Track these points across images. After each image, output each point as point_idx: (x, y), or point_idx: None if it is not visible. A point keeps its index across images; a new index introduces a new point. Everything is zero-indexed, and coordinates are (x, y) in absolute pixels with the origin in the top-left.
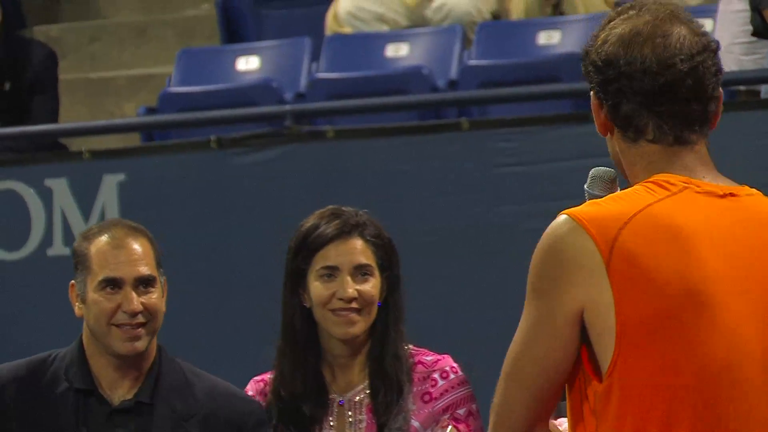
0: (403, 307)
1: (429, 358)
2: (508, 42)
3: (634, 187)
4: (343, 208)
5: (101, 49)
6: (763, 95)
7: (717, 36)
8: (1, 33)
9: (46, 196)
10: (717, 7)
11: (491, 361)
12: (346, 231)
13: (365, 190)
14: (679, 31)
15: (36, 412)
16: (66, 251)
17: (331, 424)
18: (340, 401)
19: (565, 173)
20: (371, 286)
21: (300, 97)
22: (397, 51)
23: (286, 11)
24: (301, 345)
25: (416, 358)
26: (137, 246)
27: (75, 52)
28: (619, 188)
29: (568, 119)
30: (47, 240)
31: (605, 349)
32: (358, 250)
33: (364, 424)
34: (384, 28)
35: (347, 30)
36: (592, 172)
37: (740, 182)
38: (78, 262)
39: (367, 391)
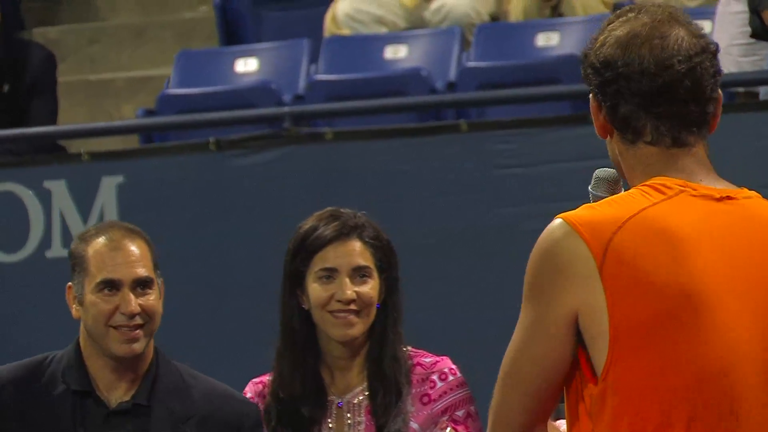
0: (401, 309)
1: (428, 360)
2: (507, 44)
3: (631, 190)
4: (342, 210)
5: (100, 51)
6: (761, 97)
7: (715, 37)
8: (0, 35)
9: (45, 197)
10: (715, 9)
11: (490, 363)
12: (344, 233)
13: (364, 191)
14: (678, 33)
15: (33, 414)
16: (65, 253)
17: (330, 425)
18: (338, 403)
19: (564, 175)
20: (370, 288)
21: (299, 98)
22: (396, 53)
23: (284, 13)
24: (300, 347)
25: (415, 360)
26: (134, 248)
27: (74, 54)
28: (622, 189)
29: (567, 121)
30: (46, 242)
31: (599, 353)
32: (357, 251)
33: (362, 426)
34: (382, 30)
35: (346, 32)
36: (596, 173)
37: (739, 184)
38: (75, 264)
39: (366, 393)
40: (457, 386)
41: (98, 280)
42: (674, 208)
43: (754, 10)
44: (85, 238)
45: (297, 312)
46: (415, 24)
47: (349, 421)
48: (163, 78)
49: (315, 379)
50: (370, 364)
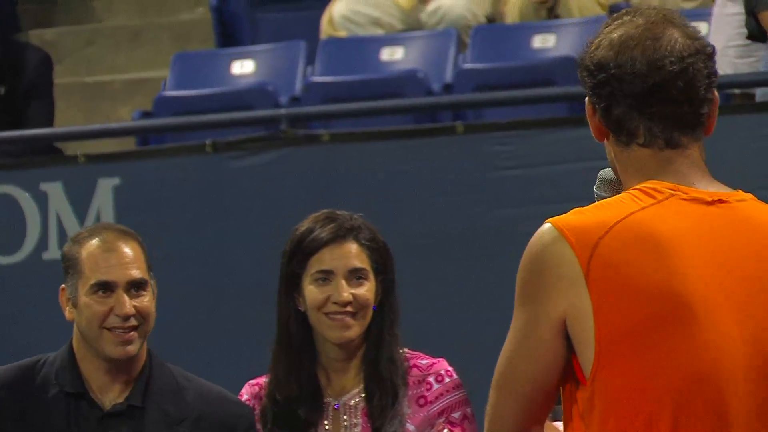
0: (398, 311)
1: (424, 362)
2: (503, 45)
3: (621, 194)
4: (338, 212)
5: (96, 53)
6: (758, 98)
7: (712, 39)
8: None
9: (42, 200)
10: (712, 11)
11: (487, 365)
12: (340, 235)
13: (360, 193)
14: (671, 34)
15: (27, 416)
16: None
17: (327, 427)
18: (335, 405)
19: (561, 176)
20: (366, 290)
21: (295, 100)
22: (392, 54)
23: (281, 15)
24: (296, 349)
25: (411, 362)
26: (128, 249)
27: (70, 56)
28: None
29: (563, 122)
30: (42, 244)
31: (587, 356)
32: (353, 254)
33: (359, 428)
34: (379, 32)
35: (342, 33)
36: (601, 173)
37: (735, 186)
38: (69, 266)
39: (363, 395)
40: (453, 388)
41: (92, 282)
42: (663, 212)
43: (751, 11)
44: (78, 240)
45: (293, 314)
46: (411, 26)
47: (345, 423)
48: (159, 80)
49: (311, 381)
50: (367, 366)
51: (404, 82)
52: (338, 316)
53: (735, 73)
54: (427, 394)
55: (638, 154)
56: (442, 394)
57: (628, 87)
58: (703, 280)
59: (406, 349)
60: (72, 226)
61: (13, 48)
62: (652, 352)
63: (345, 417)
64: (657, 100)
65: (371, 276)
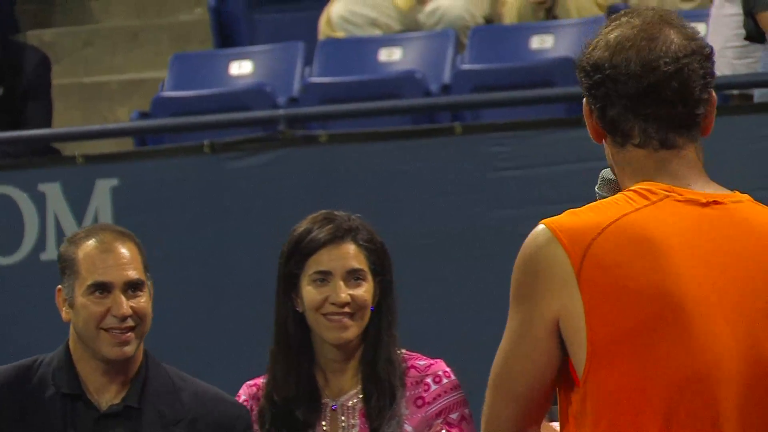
0: (395, 312)
1: (422, 363)
2: (501, 46)
3: (616, 195)
4: (336, 213)
5: (94, 53)
6: (756, 99)
7: (709, 40)
8: None
9: (40, 200)
10: (709, 11)
11: (485, 366)
12: (338, 236)
13: (358, 194)
14: (667, 35)
15: (24, 417)
16: None
17: (324, 428)
18: (333, 406)
19: (558, 177)
20: (364, 291)
21: (293, 101)
22: (390, 55)
23: (279, 16)
24: (294, 349)
25: (409, 363)
26: (125, 250)
27: (68, 57)
28: None
29: (561, 123)
30: (40, 244)
31: (579, 358)
32: (351, 254)
33: (357, 429)
34: (377, 33)
35: (340, 34)
36: (602, 173)
37: (733, 187)
38: (65, 267)
39: (360, 396)
40: (451, 389)
41: (89, 282)
42: (657, 213)
43: (749, 12)
44: (75, 241)
45: (291, 315)
46: (409, 26)
47: (343, 424)
48: (157, 81)
49: (309, 382)
50: (365, 367)
51: (402, 82)
52: (336, 317)
53: (733, 74)
54: (425, 395)
55: (634, 154)
56: (440, 395)
57: (622, 88)
58: (696, 281)
59: (403, 350)
60: (70, 226)
61: (11, 49)
62: (644, 354)
63: (343, 418)
64: (651, 101)
65: (369, 277)
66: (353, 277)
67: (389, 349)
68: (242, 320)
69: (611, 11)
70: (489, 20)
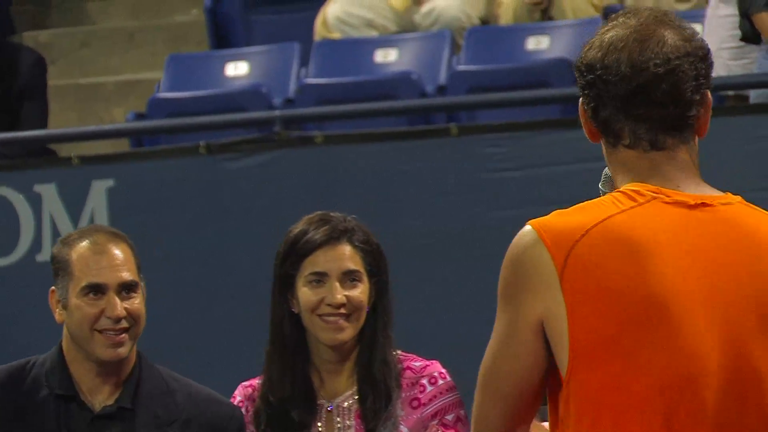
0: (391, 313)
1: (417, 364)
2: (497, 47)
3: (604, 196)
4: (332, 214)
5: (90, 54)
6: (751, 100)
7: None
8: None
9: (35, 201)
10: (705, 12)
11: None
12: (334, 237)
13: (355, 195)
14: (661, 36)
15: (17, 418)
16: None
17: (320, 429)
18: (328, 407)
19: (554, 178)
20: (360, 292)
21: (289, 102)
22: (386, 56)
23: (275, 17)
24: (290, 350)
25: (405, 364)
26: (118, 251)
27: (64, 58)
28: None
29: (557, 124)
30: (36, 246)
31: (561, 359)
32: (347, 255)
33: (352, 430)
34: (373, 34)
35: (336, 35)
36: (605, 170)
37: (729, 188)
38: (59, 269)
39: (356, 397)
40: (446, 390)
41: (83, 284)
42: (643, 215)
43: (744, 13)
44: (69, 242)
45: (287, 315)
46: (405, 27)
47: (338, 425)
48: (153, 82)
49: (305, 383)
50: (360, 368)
51: (398, 83)
52: (332, 318)
53: (728, 75)
54: (420, 396)
55: (625, 155)
56: (435, 396)
57: (613, 89)
58: (679, 284)
59: (399, 351)
60: (66, 227)
61: (7, 49)
62: (626, 355)
63: (338, 419)
64: (641, 102)
65: (365, 278)
66: (349, 278)
67: (385, 350)
68: (238, 321)
69: (607, 12)
70: (485, 21)
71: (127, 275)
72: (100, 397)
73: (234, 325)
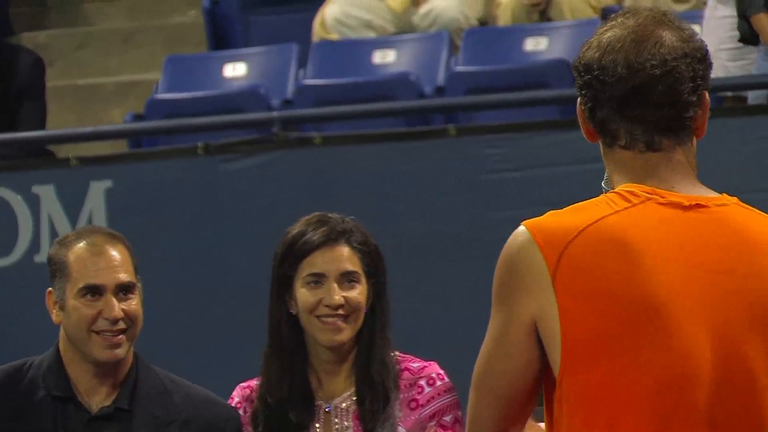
0: (389, 314)
1: (415, 365)
2: (495, 48)
3: (598, 197)
4: (330, 215)
5: (89, 55)
6: (750, 101)
7: None
8: None
9: (34, 202)
10: (703, 13)
11: None
12: (332, 238)
13: (353, 196)
14: (659, 37)
15: (14, 419)
16: None
17: (318, 430)
18: (326, 408)
19: (553, 179)
20: (358, 293)
21: (287, 103)
22: (384, 57)
23: (273, 18)
24: (288, 351)
25: (403, 365)
26: (116, 253)
27: (62, 59)
28: None
29: (555, 125)
30: (34, 247)
31: (554, 359)
32: (345, 257)
33: (350, 431)
34: (371, 35)
35: (334, 36)
36: None
37: (726, 189)
38: (56, 270)
39: (354, 398)
40: (444, 391)
41: (81, 285)
42: (636, 216)
43: (743, 14)
44: (66, 244)
45: (285, 317)
46: (403, 28)
47: (336, 426)
48: (151, 82)
49: (303, 384)
50: (358, 369)
51: (396, 84)
52: (330, 319)
53: (727, 76)
54: (418, 397)
55: (621, 156)
56: (433, 398)
57: (609, 90)
58: (672, 284)
59: (397, 352)
60: (64, 228)
61: (5, 50)
62: (619, 355)
63: (336, 420)
64: (637, 103)
65: (363, 279)
66: (347, 279)
67: (383, 351)
68: (236, 322)
69: (605, 13)
70: (483, 22)
71: (124, 276)
72: (97, 398)
73: (232, 326)
